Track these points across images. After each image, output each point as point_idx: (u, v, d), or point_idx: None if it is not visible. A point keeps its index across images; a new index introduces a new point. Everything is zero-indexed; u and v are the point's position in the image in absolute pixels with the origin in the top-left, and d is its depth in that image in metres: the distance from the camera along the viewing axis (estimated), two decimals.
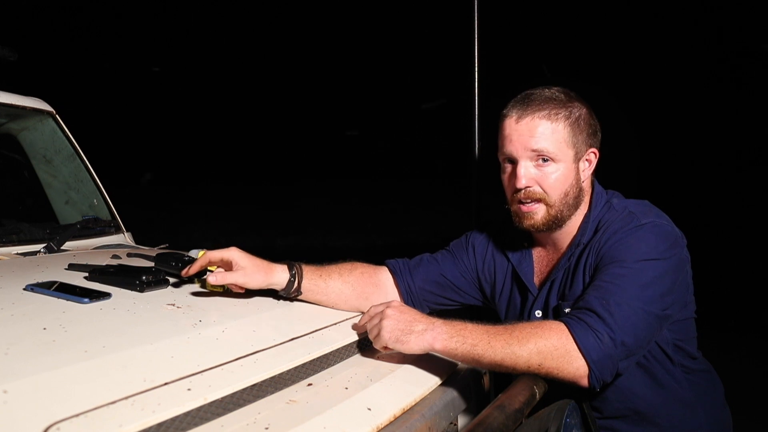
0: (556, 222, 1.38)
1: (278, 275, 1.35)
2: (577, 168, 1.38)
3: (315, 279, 1.41)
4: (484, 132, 2.34)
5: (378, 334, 1.19)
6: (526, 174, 1.34)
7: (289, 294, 1.37)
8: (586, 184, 1.42)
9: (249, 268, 1.30)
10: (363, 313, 1.36)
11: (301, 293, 1.39)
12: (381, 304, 1.27)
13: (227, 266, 1.31)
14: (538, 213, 1.37)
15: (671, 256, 1.28)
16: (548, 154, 1.33)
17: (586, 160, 1.39)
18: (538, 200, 1.36)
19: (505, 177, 1.41)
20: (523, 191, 1.36)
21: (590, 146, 1.39)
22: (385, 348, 1.20)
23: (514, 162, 1.37)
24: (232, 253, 1.30)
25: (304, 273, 1.39)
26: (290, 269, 1.37)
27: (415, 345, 1.16)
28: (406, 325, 1.18)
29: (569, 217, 1.39)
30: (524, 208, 1.38)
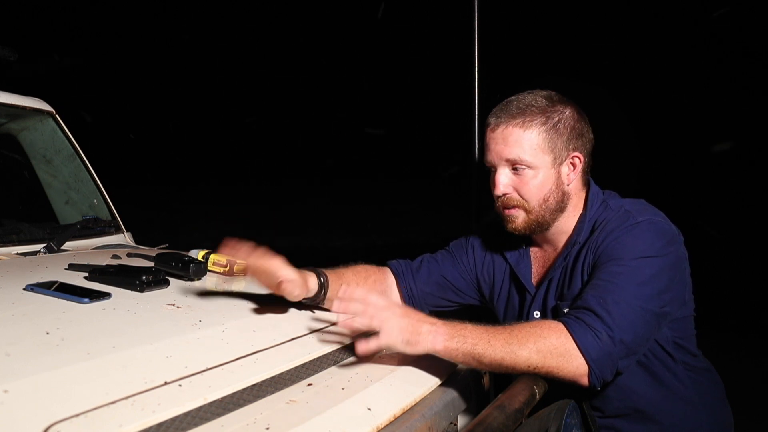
0: (538, 226, 1.40)
1: (311, 286, 1.32)
2: (558, 173, 1.37)
3: (337, 288, 1.38)
4: (483, 132, 2.34)
5: (387, 335, 1.16)
6: (503, 181, 1.37)
7: (313, 302, 1.35)
8: (574, 187, 1.41)
9: (296, 281, 1.24)
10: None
11: (324, 303, 1.37)
12: (381, 303, 1.21)
13: (266, 274, 1.23)
14: (518, 218, 1.39)
15: (668, 253, 1.28)
16: (522, 162, 1.34)
17: (570, 164, 1.39)
18: (516, 206, 1.38)
19: (490, 181, 1.43)
20: (502, 198, 1.38)
21: (573, 150, 1.38)
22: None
23: (493, 168, 1.39)
24: (277, 263, 1.22)
25: (329, 282, 1.37)
26: (318, 278, 1.35)
27: (420, 348, 1.16)
28: (414, 327, 1.16)
29: (553, 221, 1.40)
30: (506, 212, 1.40)
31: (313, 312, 1.37)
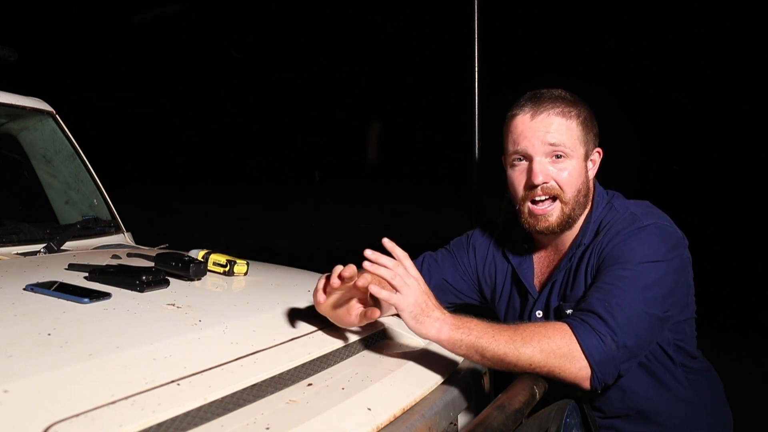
0: (569, 222, 1.38)
1: None
2: (586, 167, 1.39)
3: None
4: (483, 132, 2.34)
5: (402, 298, 1.12)
6: (543, 170, 1.34)
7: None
8: (591, 184, 1.43)
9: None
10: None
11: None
12: (412, 270, 1.15)
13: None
14: (553, 214, 1.36)
15: (673, 257, 1.28)
16: (564, 149, 1.33)
17: (591, 160, 1.41)
18: (554, 198, 1.35)
19: (516, 174, 1.39)
20: (540, 187, 1.35)
21: (596, 146, 1.41)
22: (385, 302, 1.14)
23: (527, 159, 1.36)
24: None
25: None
26: None
27: (426, 330, 1.14)
28: (426, 306, 1.14)
29: (579, 216, 1.39)
30: (539, 209, 1.36)
31: (313, 312, 1.37)
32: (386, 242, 1.15)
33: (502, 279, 1.55)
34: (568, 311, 1.32)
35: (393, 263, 1.13)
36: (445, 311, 1.17)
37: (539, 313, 1.45)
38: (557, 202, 1.36)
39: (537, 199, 1.36)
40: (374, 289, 1.10)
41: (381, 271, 1.12)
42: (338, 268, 1.15)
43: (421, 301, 1.13)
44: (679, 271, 1.30)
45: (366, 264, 1.13)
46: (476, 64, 2.33)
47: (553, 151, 1.34)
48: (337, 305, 1.20)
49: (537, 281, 1.49)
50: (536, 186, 1.35)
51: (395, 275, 1.12)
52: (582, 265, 1.36)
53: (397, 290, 1.12)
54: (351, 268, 1.14)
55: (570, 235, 1.42)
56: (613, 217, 1.36)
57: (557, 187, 1.35)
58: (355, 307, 1.19)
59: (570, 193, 1.35)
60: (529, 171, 1.35)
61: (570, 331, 1.16)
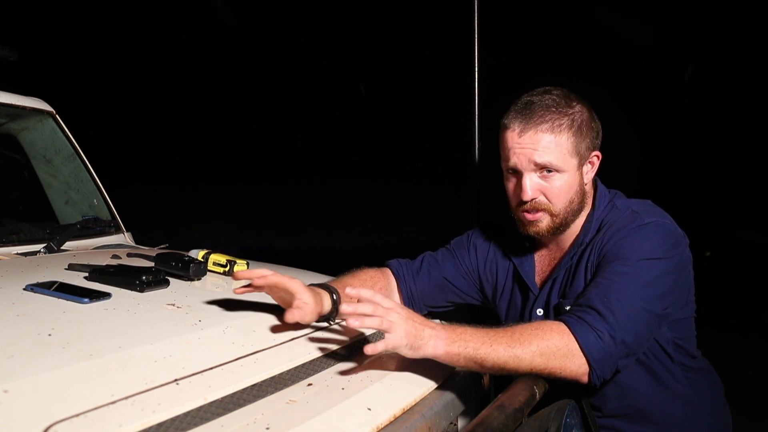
0: (560, 228, 1.39)
1: (325, 305, 1.26)
2: (581, 173, 1.38)
3: (347, 301, 1.30)
4: (484, 132, 2.34)
5: (394, 338, 1.11)
6: (532, 186, 1.34)
7: (326, 320, 1.28)
8: (589, 186, 1.42)
9: (310, 305, 1.19)
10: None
11: (336, 318, 1.31)
12: (387, 303, 1.15)
13: (285, 293, 1.19)
14: (542, 221, 1.37)
15: (673, 255, 1.28)
16: (553, 167, 1.32)
17: (589, 162, 1.40)
18: (542, 210, 1.36)
19: (510, 186, 1.40)
20: (529, 203, 1.36)
21: (593, 150, 1.39)
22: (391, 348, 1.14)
23: (518, 173, 1.37)
24: (296, 286, 1.18)
25: (342, 298, 1.30)
26: (331, 296, 1.28)
27: (423, 353, 1.13)
28: (417, 330, 1.13)
29: (573, 221, 1.40)
30: (529, 216, 1.37)
31: None
32: (349, 291, 1.14)
33: (504, 277, 1.55)
34: (568, 308, 1.32)
35: (371, 308, 1.11)
36: (434, 325, 1.15)
37: (540, 311, 1.45)
38: (546, 212, 1.37)
39: (527, 210, 1.37)
40: (369, 350, 1.08)
41: (368, 322, 1.10)
42: (257, 271, 1.16)
43: (410, 329, 1.11)
44: (679, 269, 1.30)
45: (350, 321, 1.11)
46: (476, 64, 2.33)
47: (542, 168, 1.33)
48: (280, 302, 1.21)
49: (538, 279, 1.49)
50: (526, 201, 1.36)
51: (382, 320, 1.10)
52: (582, 263, 1.37)
53: (386, 331, 1.10)
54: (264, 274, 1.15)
55: (571, 234, 1.42)
56: (615, 216, 1.36)
57: (546, 201, 1.35)
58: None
59: (560, 205, 1.36)
60: (519, 186, 1.36)
61: (567, 330, 1.17)
